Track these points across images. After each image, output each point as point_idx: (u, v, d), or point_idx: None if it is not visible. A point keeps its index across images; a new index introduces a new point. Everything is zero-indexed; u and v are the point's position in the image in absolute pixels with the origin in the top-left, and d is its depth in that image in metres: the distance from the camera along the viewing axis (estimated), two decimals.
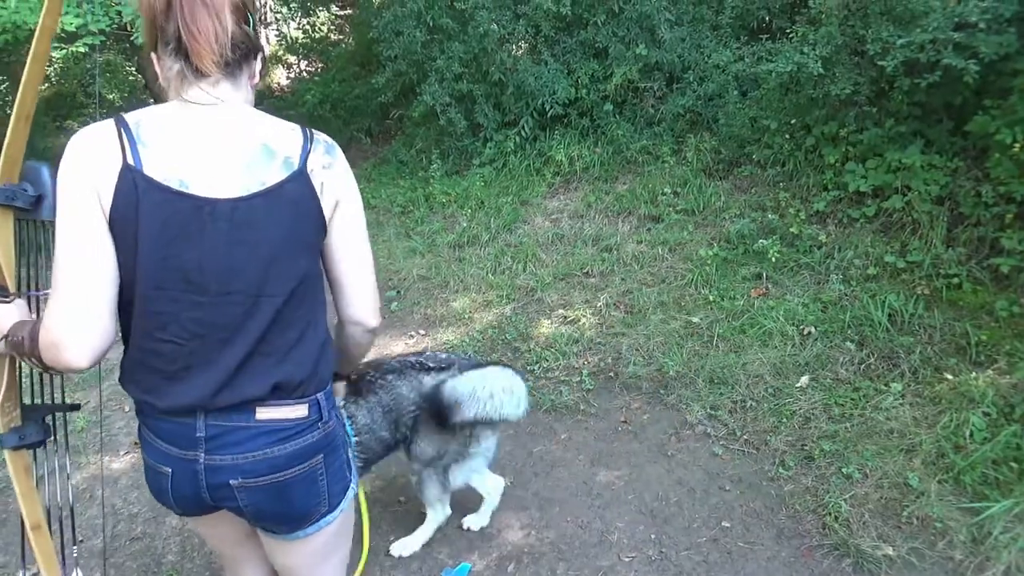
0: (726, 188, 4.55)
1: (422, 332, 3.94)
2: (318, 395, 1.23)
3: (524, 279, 4.22)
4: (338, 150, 1.21)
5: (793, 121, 4.39)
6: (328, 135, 1.26)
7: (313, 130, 1.20)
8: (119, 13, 5.28)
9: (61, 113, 11.78)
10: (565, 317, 3.81)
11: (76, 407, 1.41)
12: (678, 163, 4.94)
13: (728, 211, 4.30)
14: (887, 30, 3.49)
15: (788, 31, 4.63)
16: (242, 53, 1.13)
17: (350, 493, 1.34)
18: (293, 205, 1.12)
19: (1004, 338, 2.92)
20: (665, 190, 4.68)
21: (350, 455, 1.36)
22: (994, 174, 3.31)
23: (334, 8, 11.34)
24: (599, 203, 4.87)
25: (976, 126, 3.38)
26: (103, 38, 5.36)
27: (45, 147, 7.98)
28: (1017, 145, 3.16)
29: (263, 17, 10.45)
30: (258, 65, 1.20)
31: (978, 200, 3.37)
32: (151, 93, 9.23)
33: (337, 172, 1.18)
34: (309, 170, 1.14)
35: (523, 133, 5.61)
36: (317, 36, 10.34)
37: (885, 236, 3.66)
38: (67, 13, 5.10)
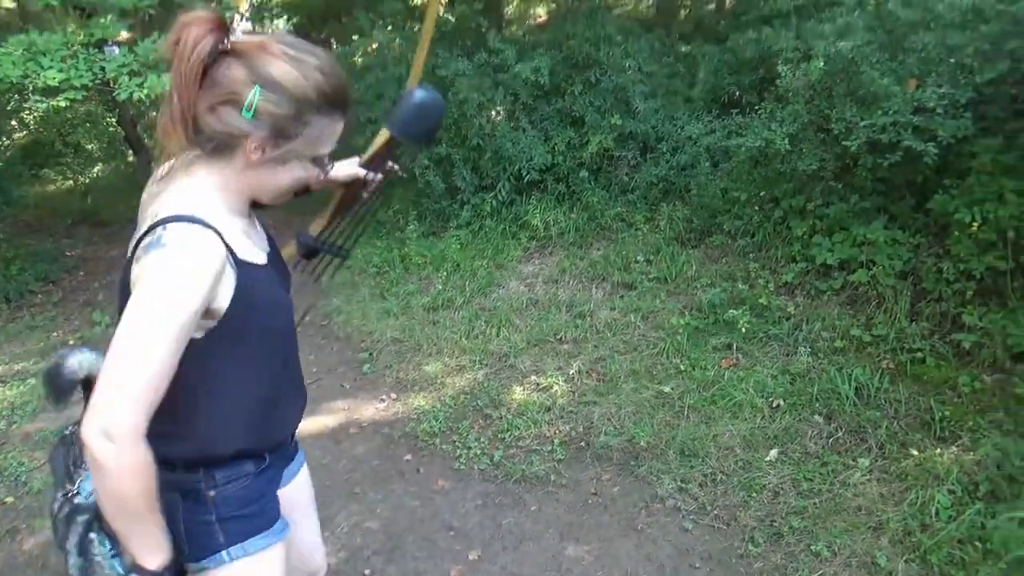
0: (698, 257, 4.62)
1: (393, 396, 3.91)
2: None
3: (497, 344, 4.22)
4: (163, 248, 1.06)
5: (762, 193, 4.51)
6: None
7: (173, 219, 1.09)
8: (103, 69, 5.32)
9: (37, 161, 11.74)
10: (537, 384, 3.81)
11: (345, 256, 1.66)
12: (651, 231, 5.03)
13: (699, 280, 4.37)
14: (851, 110, 3.63)
15: (757, 107, 4.81)
16: (216, 145, 1.13)
17: (219, 561, 1.27)
18: (123, 285, 1.14)
19: (967, 414, 2.97)
20: (638, 258, 4.75)
21: (233, 527, 1.29)
22: (954, 251, 3.41)
23: None
24: (573, 268, 4.92)
25: (937, 204, 3.50)
26: (85, 93, 5.39)
27: (20, 196, 7.94)
28: (975, 224, 3.27)
29: None
30: (251, 146, 1.13)
31: (939, 276, 3.46)
32: (130, 145, 9.24)
33: (143, 265, 1.07)
34: (135, 256, 1.10)
35: (500, 197, 5.69)
36: None
37: (851, 309, 3.74)
38: (50, 68, 5.15)
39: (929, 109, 3.26)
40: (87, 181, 10.55)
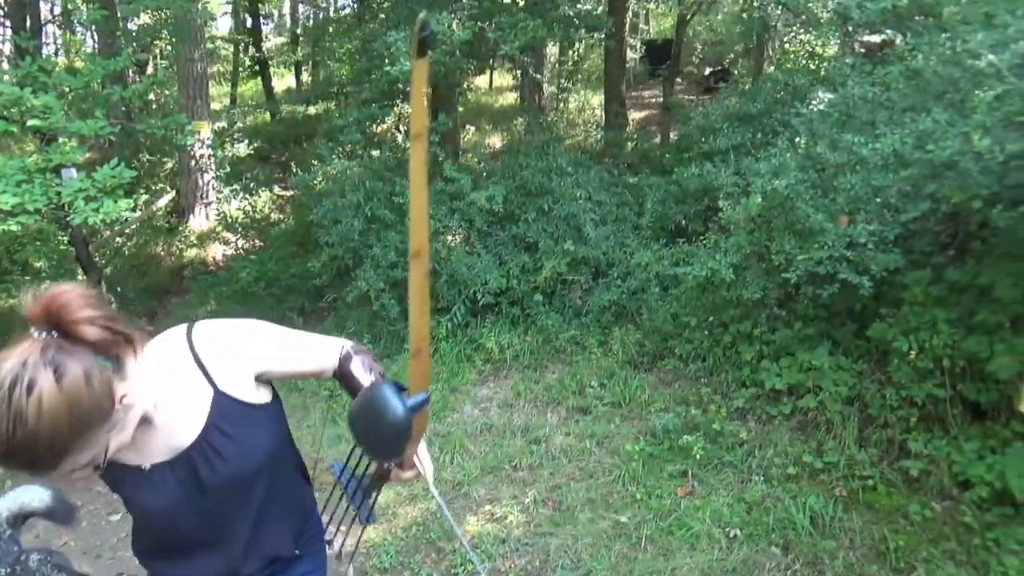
0: (651, 381, 4.68)
1: (343, 528, 3.75)
2: None
3: (451, 472, 4.13)
4: None
5: (711, 319, 4.64)
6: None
7: None
8: (58, 194, 5.32)
9: None
10: (492, 514, 3.71)
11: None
12: (604, 354, 5.09)
13: (653, 404, 4.40)
14: (789, 243, 3.82)
15: (703, 236, 5.04)
16: None
17: None
18: None
19: (920, 543, 2.97)
20: (592, 382, 4.78)
21: None
22: (895, 378, 3.52)
23: (276, 188, 11.75)
24: (528, 392, 4.92)
25: (875, 333, 3.64)
26: (38, 217, 5.37)
27: None
28: (913, 352, 3.41)
29: (203, 195, 10.68)
30: None
31: (884, 402, 3.55)
32: (81, 265, 9.12)
33: None
34: None
35: (455, 320, 5.74)
36: (257, 216, 10.60)
37: (802, 434, 3.79)
38: (4, 192, 5.12)
39: (861, 244, 3.45)
40: None
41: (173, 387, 1.28)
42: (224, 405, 1.32)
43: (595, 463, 4.03)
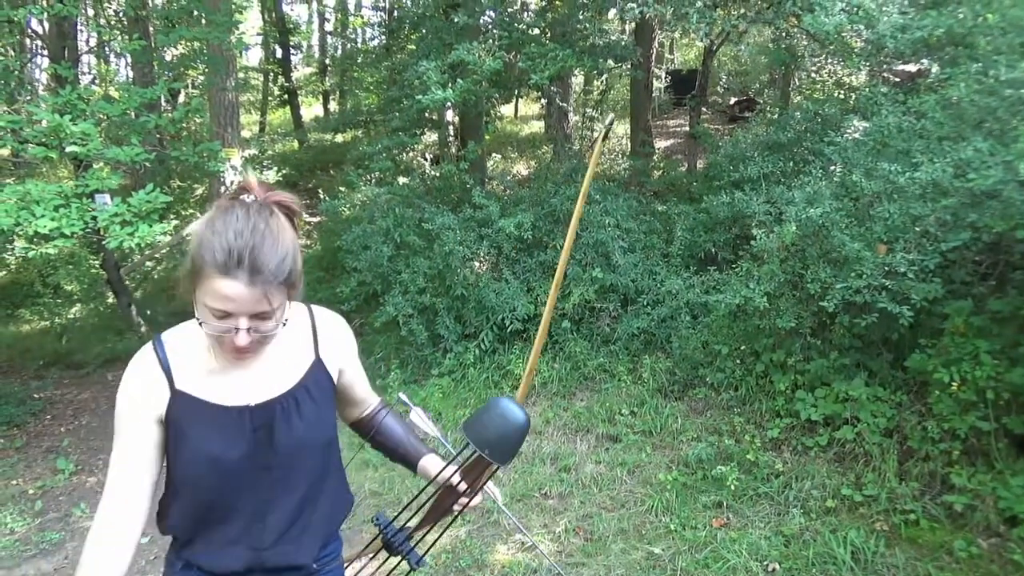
0: (682, 410, 4.62)
1: (370, 555, 3.72)
2: None
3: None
4: None
5: (742, 347, 4.59)
6: None
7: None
8: (94, 218, 5.41)
9: (14, 301, 11.66)
10: (523, 543, 3.66)
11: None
12: (634, 382, 5.05)
13: (685, 434, 4.35)
14: (825, 271, 3.78)
15: (734, 264, 5.00)
16: None
17: None
18: None
19: None
20: (623, 410, 4.73)
21: None
22: (936, 410, 3.45)
23: (304, 215, 11.88)
24: (557, 419, 4.88)
25: (914, 363, 3.58)
26: (73, 241, 5.46)
27: None
28: (955, 384, 3.34)
29: None
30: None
31: (925, 435, 3.48)
32: (111, 288, 9.26)
33: None
34: None
35: (483, 346, 5.73)
36: None
37: (840, 467, 3.71)
38: (43, 216, 5.22)
39: (900, 273, 3.40)
40: (63, 322, 10.44)
41: (285, 337, 1.37)
42: (318, 373, 1.43)
43: (627, 492, 3.97)
